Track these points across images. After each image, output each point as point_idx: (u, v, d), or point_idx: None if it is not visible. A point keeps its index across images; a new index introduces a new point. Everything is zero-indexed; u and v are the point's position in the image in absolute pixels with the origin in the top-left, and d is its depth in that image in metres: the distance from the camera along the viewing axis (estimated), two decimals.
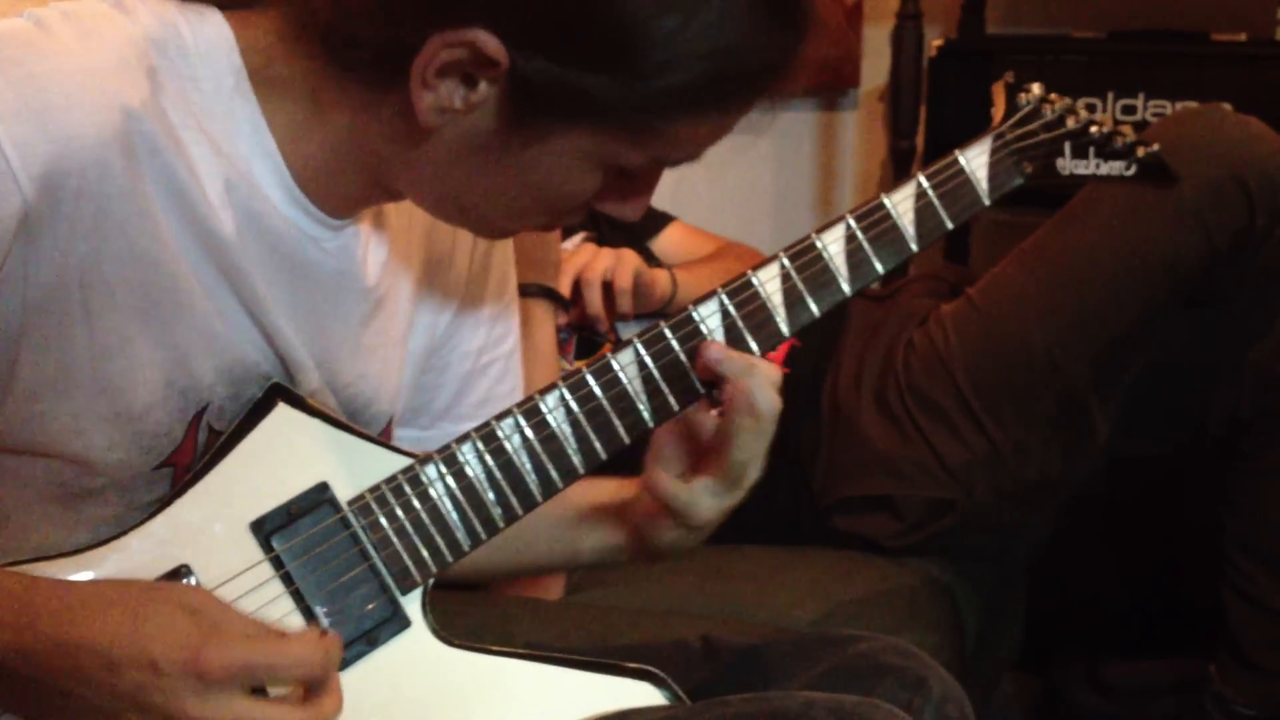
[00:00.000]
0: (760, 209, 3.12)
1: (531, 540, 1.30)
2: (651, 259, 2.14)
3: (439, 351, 1.30)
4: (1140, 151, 1.31)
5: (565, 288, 1.96)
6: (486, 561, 1.21)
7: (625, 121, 1.00)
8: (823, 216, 3.14)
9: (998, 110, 1.29)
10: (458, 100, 0.99)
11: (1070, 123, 1.29)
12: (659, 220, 2.33)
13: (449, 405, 1.32)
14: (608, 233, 2.17)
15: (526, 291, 1.69)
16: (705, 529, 1.19)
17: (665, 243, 2.29)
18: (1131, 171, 1.31)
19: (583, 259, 2.00)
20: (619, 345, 1.15)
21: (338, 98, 1.04)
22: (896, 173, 2.80)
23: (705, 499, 1.16)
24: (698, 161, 1.09)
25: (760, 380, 1.13)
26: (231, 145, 1.04)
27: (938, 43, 2.71)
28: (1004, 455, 1.94)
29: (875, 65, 2.99)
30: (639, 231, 2.27)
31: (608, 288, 1.99)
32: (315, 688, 0.96)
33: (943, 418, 1.96)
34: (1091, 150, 1.30)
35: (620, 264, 2.00)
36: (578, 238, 2.12)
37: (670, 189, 2.85)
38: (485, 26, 0.95)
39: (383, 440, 1.13)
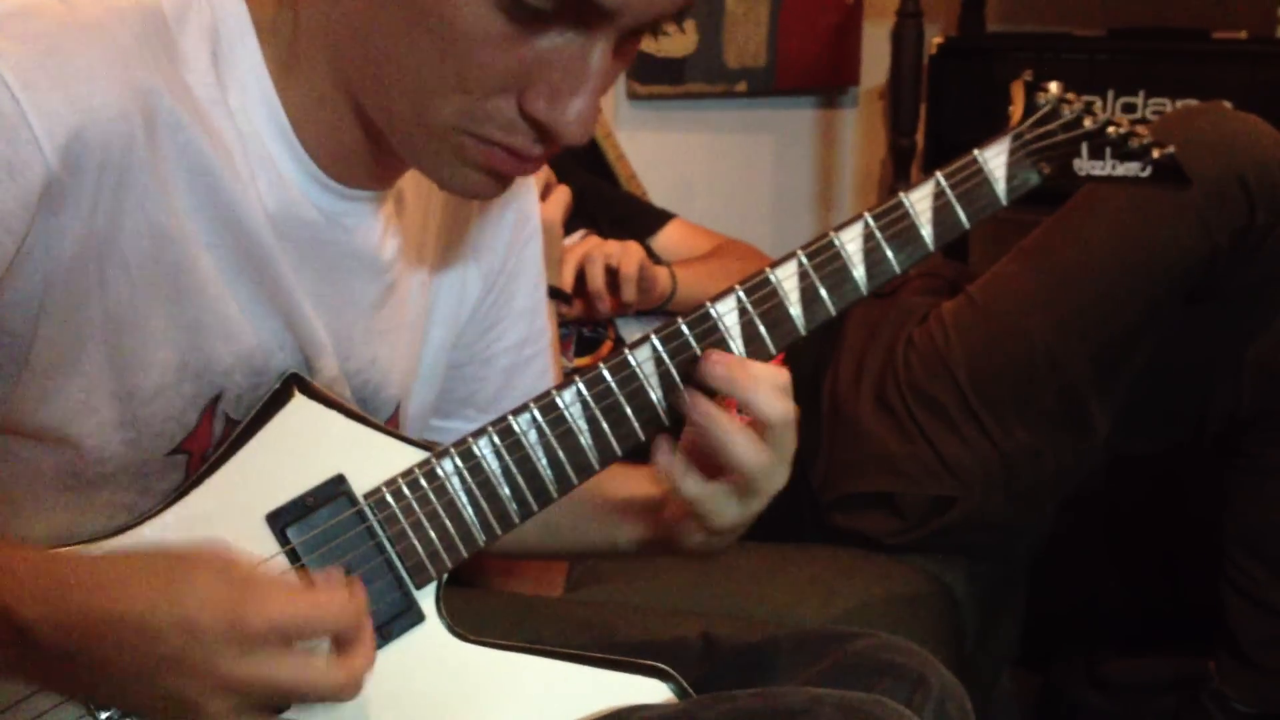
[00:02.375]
0: (760, 207, 3.13)
1: (572, 526, 1.31)
2: (651, 256, 2.15)
3: (479, 342, 1.31)
4: (1156, 153, 1.30)
5: (568, 278, 1.96)
6: (530, 539, 1.20)
7: None
8: (822, 214, 3.15)
9: (1016, 109, 1.28)
10: None
11: (1088, 123, 1.28)
12: (659, 218, 2.34)
13: (495, 397, 1.33)
14: (608, 230, 2.18)
15: None
16: (730, 533, 1.18)
17: (665, 240, 2.30)
18: (1147, 173, 1.30)
19: (586, 248, 2.01)
20: (636, 341, 1.14)
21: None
22: (896, 171, 2.80)
23: (724, 503, 1.15)
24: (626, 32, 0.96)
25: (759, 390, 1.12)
26: (249, 122, 1.03)
27: (938, 40, 2.71)
28: (1004, 453, 1.95)
29: (875, 63, 3.00)
30: (639, 229, 2.27)
31: (612, 276, 1.99)
32: (347, 641, 0.96)
33: (943, 415, 1.96)
34: (1108, 151, 1.29)
35: (625, 252, 2.01)
36: (578, 234, 2.12)
37: (671, 187, 2.87)
38: None
39: (399, 433, 1.13)
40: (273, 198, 1.04)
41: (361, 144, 1.08)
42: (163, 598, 0.89)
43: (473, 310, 1.30)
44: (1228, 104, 2.04)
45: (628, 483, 1.28)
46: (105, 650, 0.89)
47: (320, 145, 1.07)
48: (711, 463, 1.13)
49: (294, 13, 1.03)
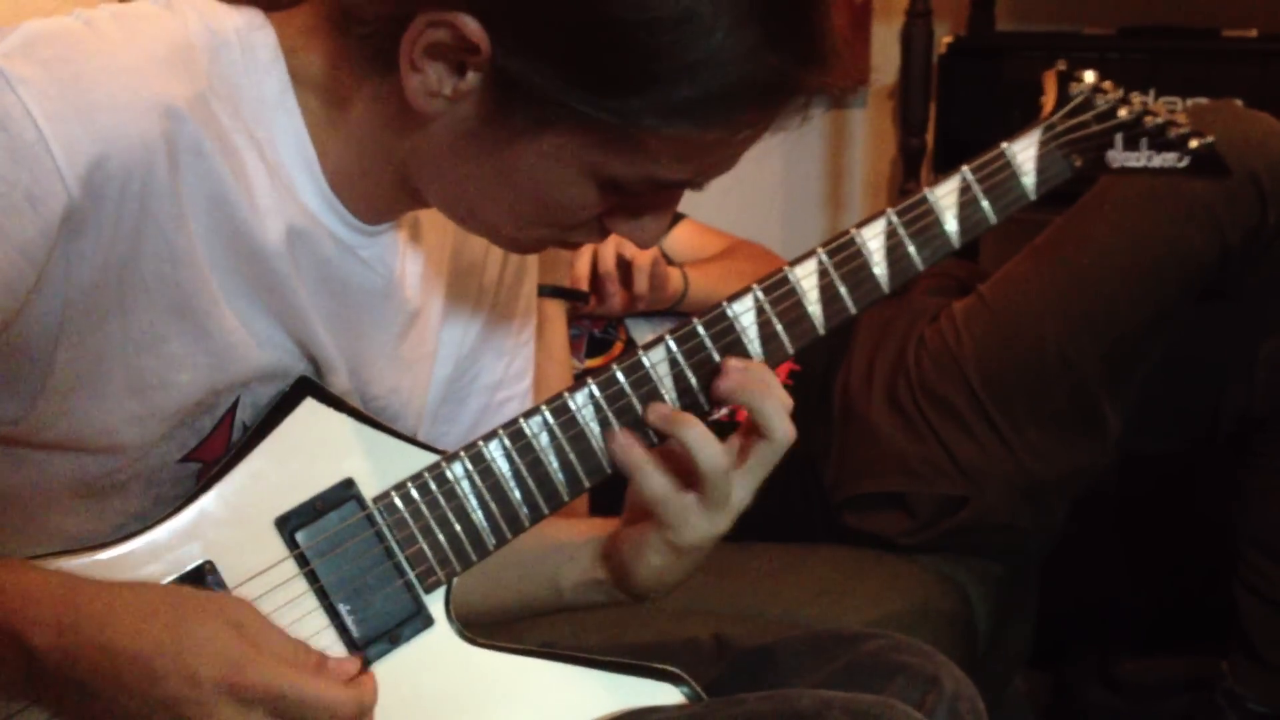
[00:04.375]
0: (770, 207, 3.12)
1: (514, 577, 1.26)
2: (663, 257, 2.14)
3: (459, 381, 1.29)
4: (1194, 143, 1.26)
5: (583, 267, 1.95)
6: (474, 598, 1.19)
7: (598, 127, 0.97)
8: (832, 214, 3.14)
9: (1048, 100, 1.24)
10: (447, 87, 0.98)
11: (1123, 113, 1.24)
12: None
13: (462, 439, 1.30)
14: None
15: (540, 292, 1.69)
16: (690, 556, 1.16)
17: (676, 240, 2.29)
18: (1184, 164, 1.26)
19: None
20: (650, 343, 1.13)
21: (353, 85, 1.04)
22: (906, 170, 2.79)
23: (695, 516, 1.13)
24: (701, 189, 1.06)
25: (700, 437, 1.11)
26: (274, 151, 1.04)
27: (947, 40, 2.70)
28: (1016, 452, 1.95)
29: (884, 62, 2.98)
30: None
31: (624, 269, 1.98)
32: None
33: (954, 415, 1.96)
34: (1144, 142, 1.25)
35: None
36: None
37: None
38: (471, 11, 0.94)
39: (409, 437, 1.13)
40: (291, 224, 1.05)
41: (392, 194, 1.10)
42: (169, 641, 0.90)
43: (474, 345, 1.29)
44: (1239, 102, 2.04)
45: (569, 527, 1.25)
46: (107, 685, 0.90)
47: (346, 187, 1.08)
48: (682, 472, 1.12)
49: (348, 99, 1.04)
